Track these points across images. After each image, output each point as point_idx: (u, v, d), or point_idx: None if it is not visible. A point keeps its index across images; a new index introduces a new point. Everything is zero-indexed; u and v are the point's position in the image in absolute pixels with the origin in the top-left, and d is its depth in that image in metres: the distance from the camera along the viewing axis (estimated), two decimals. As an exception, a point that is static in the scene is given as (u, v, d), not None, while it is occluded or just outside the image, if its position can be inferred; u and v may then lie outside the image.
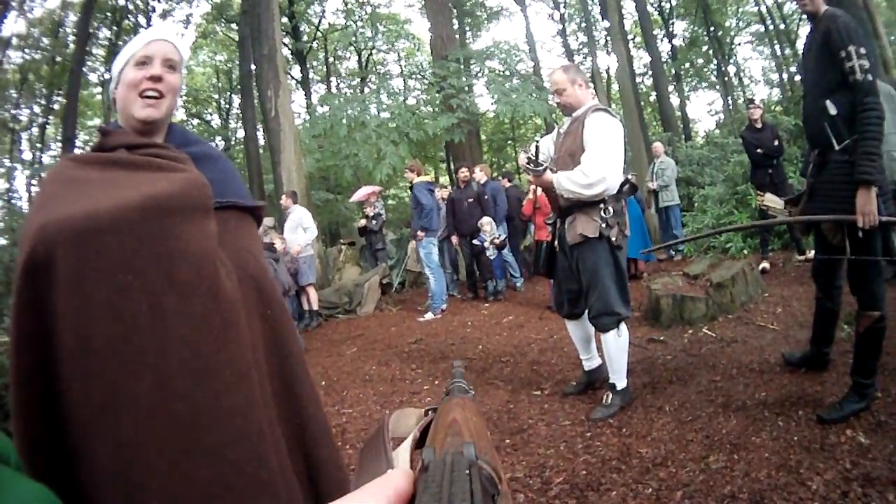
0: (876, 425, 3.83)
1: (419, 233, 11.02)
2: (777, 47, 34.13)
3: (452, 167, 23.40)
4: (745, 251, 11.26)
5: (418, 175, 11.32)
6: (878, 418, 3.91)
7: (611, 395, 4.97)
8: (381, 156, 18.25)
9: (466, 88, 20.01)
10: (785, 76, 33.86)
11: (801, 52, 4.35)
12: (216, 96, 40.64)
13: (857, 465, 3.40)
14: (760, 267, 9.37)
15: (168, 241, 1.48)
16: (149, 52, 1.84)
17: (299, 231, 11.74)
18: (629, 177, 4.96)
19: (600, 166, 4.52)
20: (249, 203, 1.98)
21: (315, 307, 11.88)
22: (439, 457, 0.49)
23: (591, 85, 5.82)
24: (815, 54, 3.94)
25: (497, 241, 11.27)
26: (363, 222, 14.13)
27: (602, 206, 4.71)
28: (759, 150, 9.53)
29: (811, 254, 9.41)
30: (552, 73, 5.11)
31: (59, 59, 27.98)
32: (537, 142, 5.06)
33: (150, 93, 1.81)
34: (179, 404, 1.40)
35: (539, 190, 5.95)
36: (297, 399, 1.83)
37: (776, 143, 9.53)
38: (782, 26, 33.21)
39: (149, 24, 31.43)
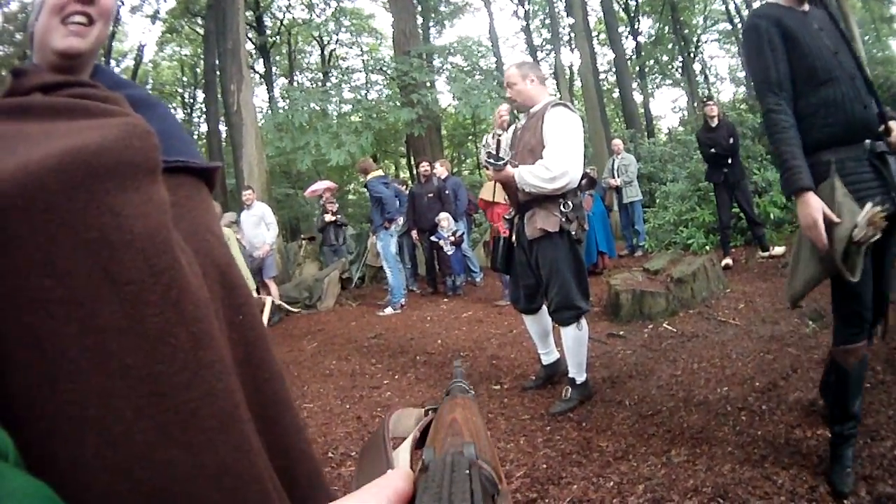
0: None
1: (387, 224, 10.95)
2: (744, 46, 34.43)
3: (413, 162, 23.32)
4: (708, 247, 11.29)
5: (367, 173, 11.29)
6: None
7: (570, 390, 4.95)
8: (340, 143, 18.09)
9: (428, 84, 19.97)
10: (751, 74, 34.21)
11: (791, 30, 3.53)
12: (181, 90, 40.26)
13: (824, 460, 3.37)
14: (723, 263, 9.42)
15: (102, 219, 0.98)
16: None
17: (262, 227, 11.61)
18: (587, 171, 4.94)
19: (563, 160, 4.50)
20: (204, 164, 1.42)
21: (277, 301, 11.71)
22: (439, 457, 0.49)
23: (547, 82, 5.78)
24: (842, 40, 3.42)
25: (454, 238, 11.26)
26: (329, 217, 13.89)
27: (562, 200, 4.68)
28: (712, 150, 9.62)
29: (775, 250, 9.45)
30: (507, 69, 5.08)
31: (29, 53, 27.61)
32: (499, 136, 5.03)
33: (77, 18, 1.29)
34: (143, 472, 0.95)
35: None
36: (285, 441, 1.31)
37: (731, 140, 9.59)
38: (750, 25, 33.53)
39: (118, 18, 31.07)
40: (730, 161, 9.56)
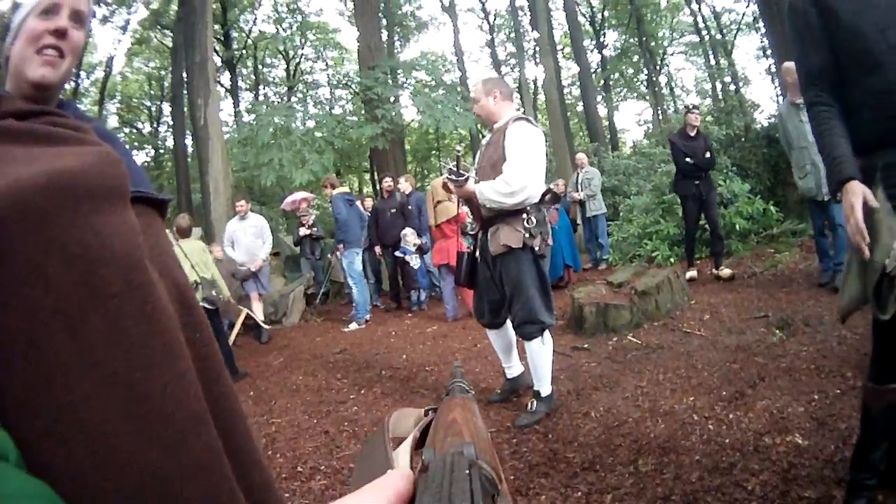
0: (816, 427, 3.84)
1: (339, 245, 11.05)
2: (711, 57, 34.73)
3: (377, 177, 23.34)
4: (672, 259, 11.36)
5: (333, 188, 11.29)
6: (817, 419, 3.94)
7: (535, 402, 4.97)
8: (303, 163, 18.07)
9: (392, 99, 20.01)
10: (719, 86, 34.52)
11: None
12: (148, 104, 39.95)
13: (794, 465, 3.40)
14: (688, 275, 9.46)
15: (85, 236, 1.04)
16: None
17: (260, 240, 11.48)
18: (552, 186, 4.95)
19: (522, 175, 4.54)
20: (160, 196, 1.48)
21: (261, 317, 11.49)
22: (439, 457, 0.49)
23: (516, 97, 5.81)
24: None
25: (419, 244, 11.31)
26: (304, 231, 13.64)
27: (525, 215, 4.71)
28: (688, 160, 9.38)
29: (723, 272, 9.42)
30: (475, 85, 5.12)
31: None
32: (458, 152, 5.06)
33: (50, 51, 1.43)
34: (127, 473, 0.99)
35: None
36: (240, 450, 1.34)
37: (707, 154, 9.44)
38: (718, 36, 33.85)
39: (89, 28, 30.92)
40: (703, 175, 9.46)
